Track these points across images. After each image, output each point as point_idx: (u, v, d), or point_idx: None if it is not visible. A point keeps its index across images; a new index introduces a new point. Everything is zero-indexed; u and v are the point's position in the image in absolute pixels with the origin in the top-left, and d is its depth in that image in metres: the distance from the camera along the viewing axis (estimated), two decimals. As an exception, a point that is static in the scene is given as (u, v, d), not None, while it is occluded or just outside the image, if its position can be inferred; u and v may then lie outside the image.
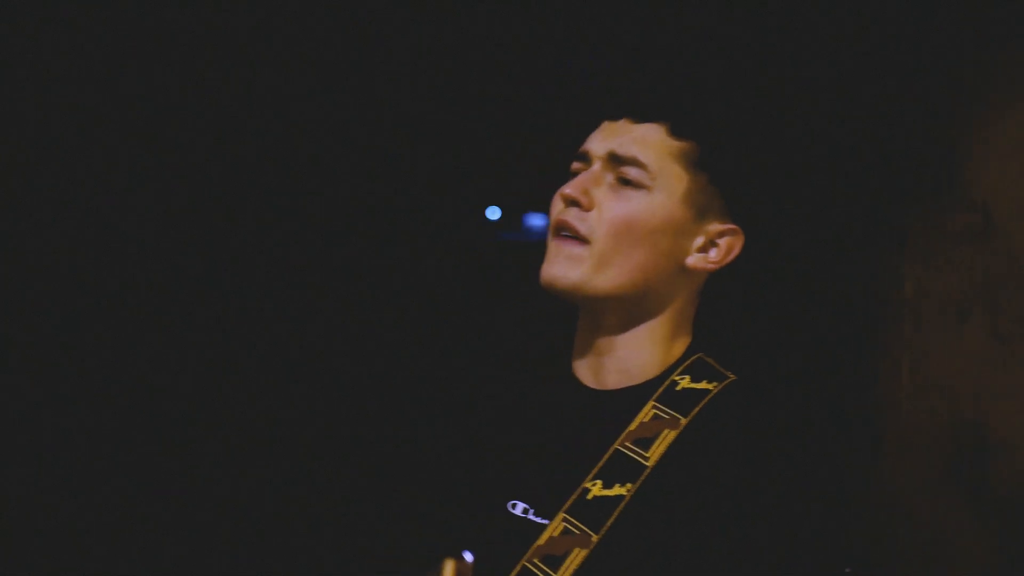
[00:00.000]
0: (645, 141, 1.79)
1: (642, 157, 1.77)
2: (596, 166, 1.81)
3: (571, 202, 1.78)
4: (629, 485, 1.68)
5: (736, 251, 1.82)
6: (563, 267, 1.77)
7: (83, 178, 2.70)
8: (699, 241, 1.81)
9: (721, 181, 1.81)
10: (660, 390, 1.77)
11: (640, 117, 1.82)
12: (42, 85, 2.65)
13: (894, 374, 2.85)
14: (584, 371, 1.85)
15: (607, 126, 1.84)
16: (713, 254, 1.82)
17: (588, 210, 1.77)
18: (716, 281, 1.88)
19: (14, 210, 2.65)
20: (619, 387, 1.80)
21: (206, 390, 2.83)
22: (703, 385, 1.76)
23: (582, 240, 1.77)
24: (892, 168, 2.88)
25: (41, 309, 2.67)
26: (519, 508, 1.75)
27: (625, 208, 1.76)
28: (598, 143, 1.82)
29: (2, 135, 2.64)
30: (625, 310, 1.80)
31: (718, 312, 1.99)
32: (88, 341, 2.71)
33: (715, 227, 1.81)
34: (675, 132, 1.79)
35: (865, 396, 2.90)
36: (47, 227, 2.67)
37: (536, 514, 1.73)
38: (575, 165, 1.85)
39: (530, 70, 2.81)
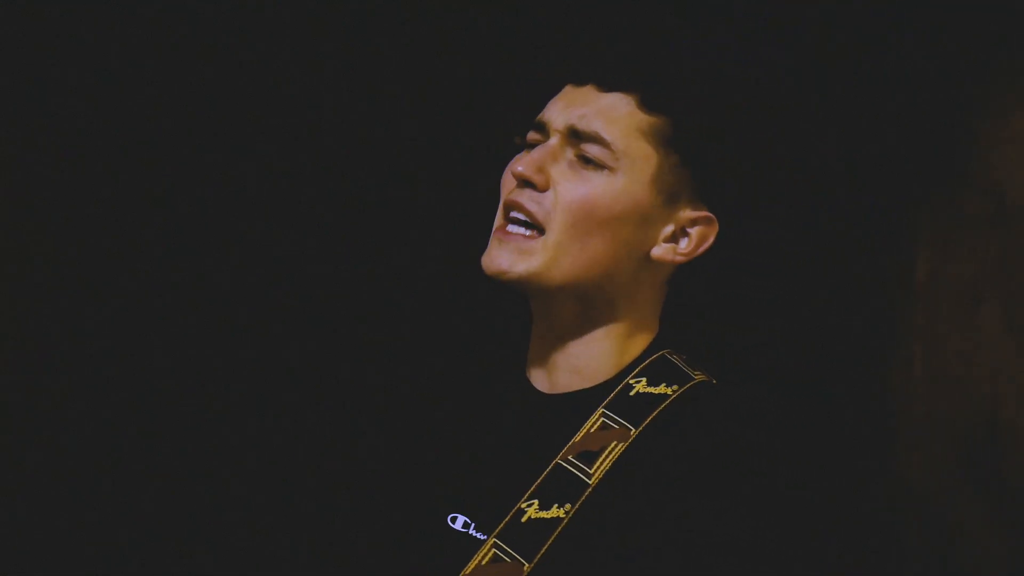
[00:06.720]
0: (610, 115, 1.62)
1: (605, 134, 1.61)
2: (554, 140, 1.65)
3: (524, 182, 1.63)
4: (568, 506, 1.55)
5: (709, 242, 1.67)
6: (511, 259, 1.62)
7: (86, 176, 2.68)
8: (668, 230, 1.66)
9: (693, 162, 1.65)
10: (612, 395, 1.63)
11: (608, 85, 1.65)
12: (43, 84, 2.62)
13: (906, 364, 2.76)
14: (536, 372, 1.72)
15: (569, 92, 1.69)
16: (683, 244, 1.67)
17: (543, 190, 1.62)
18: (695, 270, 1.72)
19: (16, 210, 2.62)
20: (570, 390, 1.68)
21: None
22: (661, 389, 1.62)
23: (535, 227, 1.63)
24: (903, 150, 2.78)
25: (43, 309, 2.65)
26: (459, 522, 1.64)
27: (584, 191, 1.60)
28: (557, 113, 1.66)
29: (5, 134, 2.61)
30: (579, 304, 1.66)
31: (699, 305, 1.89)
32: (87, 339, 2.68)
33: (686, 214, 1.66)
34: (646, 105, 1.63)
35: (876, 388, 2.81)
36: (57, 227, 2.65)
37: (477, 529, 1.62)
38: (531, 135, 1.70)
39: (487, 26, 2.56)
